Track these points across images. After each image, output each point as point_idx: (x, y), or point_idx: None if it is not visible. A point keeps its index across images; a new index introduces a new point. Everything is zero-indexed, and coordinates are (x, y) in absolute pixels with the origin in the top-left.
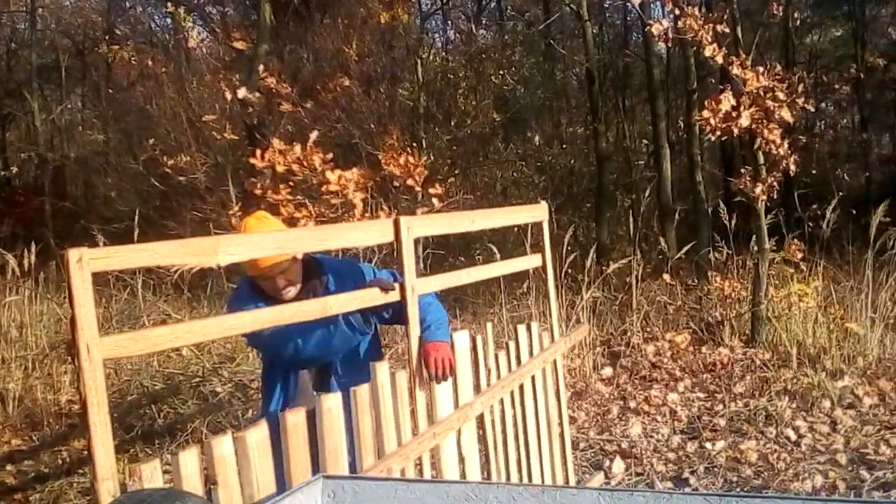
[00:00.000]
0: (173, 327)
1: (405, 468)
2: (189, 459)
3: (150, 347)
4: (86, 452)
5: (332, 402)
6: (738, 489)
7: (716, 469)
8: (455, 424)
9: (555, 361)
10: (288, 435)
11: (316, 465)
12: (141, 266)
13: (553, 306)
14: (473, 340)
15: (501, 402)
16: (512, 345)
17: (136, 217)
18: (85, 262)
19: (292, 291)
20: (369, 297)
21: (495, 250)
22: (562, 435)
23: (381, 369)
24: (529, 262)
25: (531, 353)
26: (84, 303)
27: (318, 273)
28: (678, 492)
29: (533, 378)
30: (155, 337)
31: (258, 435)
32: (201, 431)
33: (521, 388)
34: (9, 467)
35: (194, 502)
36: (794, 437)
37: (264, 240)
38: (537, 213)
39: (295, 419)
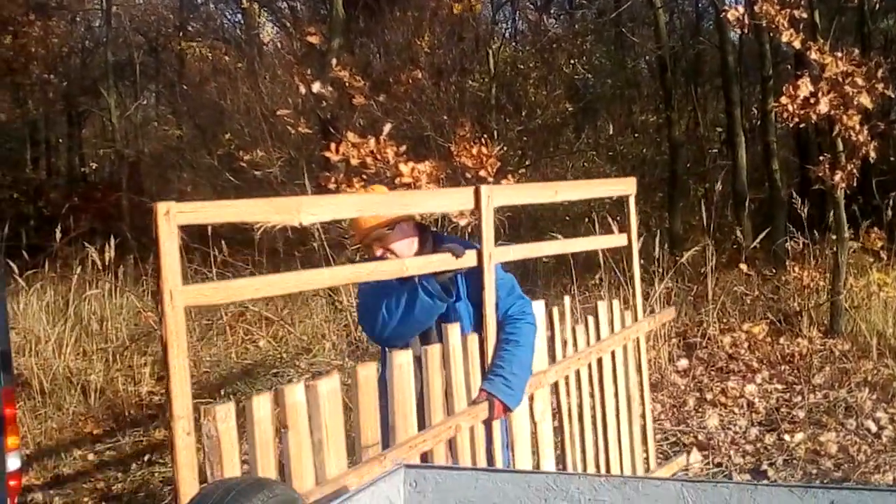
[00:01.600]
0: (253, 279)
1: (474, 427)
2: (262, 404)
3: (231, 297)
4: (165, 442)
5: (402, 359)
6: (818, 481)
7: (795, 461)
8: (528, 390)
9: (637, 340)
10: (359, 387)
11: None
12: (226, 221)
13: (637, 285)
14: (550, 314)
15: (578, 373)
16: (591, 319)
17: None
18: (172, 215)
19: (401, 253)
20: (445, 262)
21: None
22: (643, 415)
23: (453, 332)
24: (614, 240)
25: (612, 330)
26: (169, 252)
27: (432, 246)
28: (763, 483)
29: (613, 354)
30: (236, 287)
31: (329, 385)
32: None
33: (601, 362)
34: (91, 457)
35: (281, 490)
36: (874, 428)
37: (345, 201)
38: (624, 186)
39: (365, 372)
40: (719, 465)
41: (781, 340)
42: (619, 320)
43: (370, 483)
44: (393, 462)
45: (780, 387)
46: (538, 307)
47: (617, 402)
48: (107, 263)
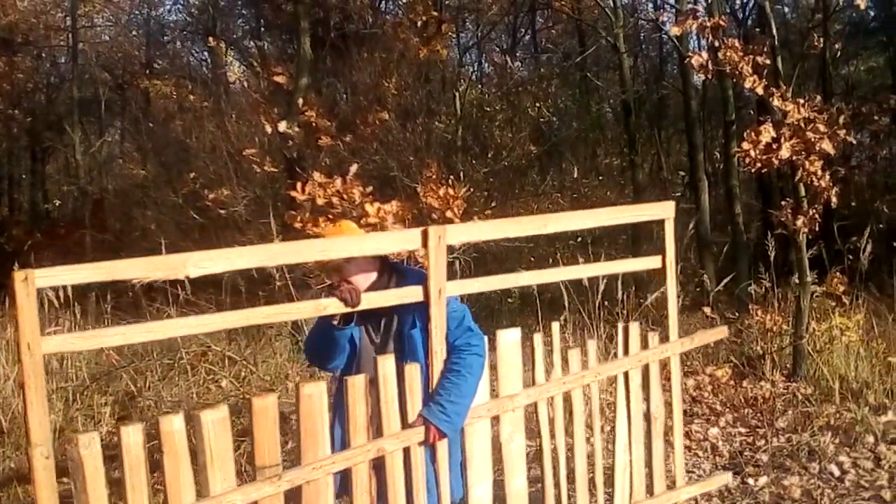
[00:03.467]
0: (127, 327)
1: (411, 449)
2: (133, 431)
3: (96, 344)
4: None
5: (311, 390)
6: None
7: None
8: (486, 414)
9: (667, 360)
10: (254, 416)
11: None
12: (83, 282)
13: (672, 307)
14: (532, 341)
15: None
16: (591, 343)
17: (174, 249)
18: (31, 281)
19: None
20: (382, 298)
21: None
22: (669, 435)
23: (385, 363)
24: (649, 262)
25: (626, 352)
26: (27, 310)
27: (389, 278)
28: None
29: (627, 375)
30: (104, 336)
31: (216, 415)
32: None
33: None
34: None
35: None
36: (837, 472)
37: (240, 252)
38: (662, 210)
39: (262, 403)
40: None
41: (745, 384)
42: (637, 342)
43: None
44: (288, 482)
45: (743, 430)
46: (509, 335)
47: (629, 421)
48: (64, 301)
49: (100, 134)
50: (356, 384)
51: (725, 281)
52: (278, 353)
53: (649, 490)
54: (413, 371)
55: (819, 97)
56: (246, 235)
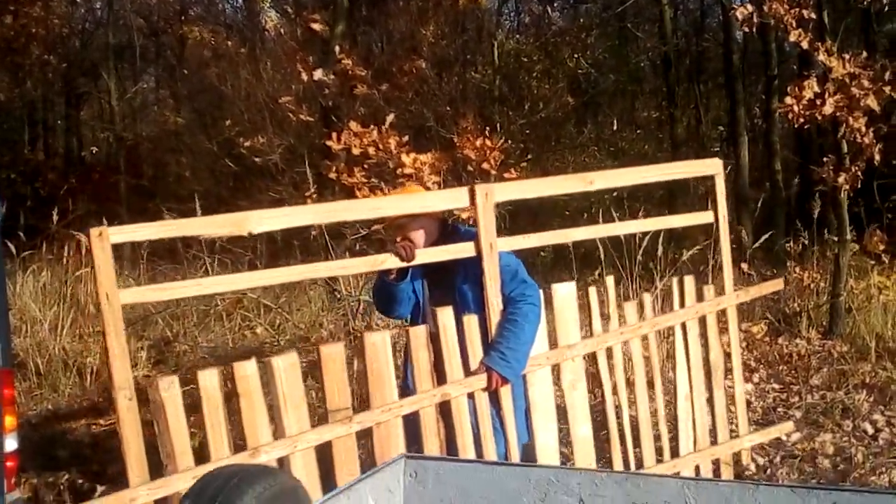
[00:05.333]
0: (200, 280)
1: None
2: (210, 374)
3: (171, 295)
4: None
5: (375, 338)
6: (814, 481)
7: (791, 461)
8: (546, 362)
9: (720, 312)
10: (323, 362)
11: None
12: (158, 238)
13: (727, 261)
14: (587, 293)
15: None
16: (647, 296)
17: (208, 196)
18: (105, 237)
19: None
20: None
21: None
22: (729, 387)
23: (445, 314)
24: (702, 217)
25: (682, 304)
26: (105, 265)
27: (446, 237)
28: (765, 483)
29: (684, 326)
30: (178, 287)
31: (287, 360)
32: None
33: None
34: (86, 440)
35: (284, 478)
36: (871, 430)
37: (299, 211)
38: (710, 167)
39: (329, 350)
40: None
41: (780, 341)
42: (693, 295)
43: (370, 473)
44: (359, 423)
45: (777, 386)
46: (565, 287)
47: (689, 370)
48: None
49: (134, 80)
50: (418, 334)
51: (764, 238)
52: (312, 302)
53: (713, 439)
54: (472, 322)
55: (864, 53)
56: (280, 184)
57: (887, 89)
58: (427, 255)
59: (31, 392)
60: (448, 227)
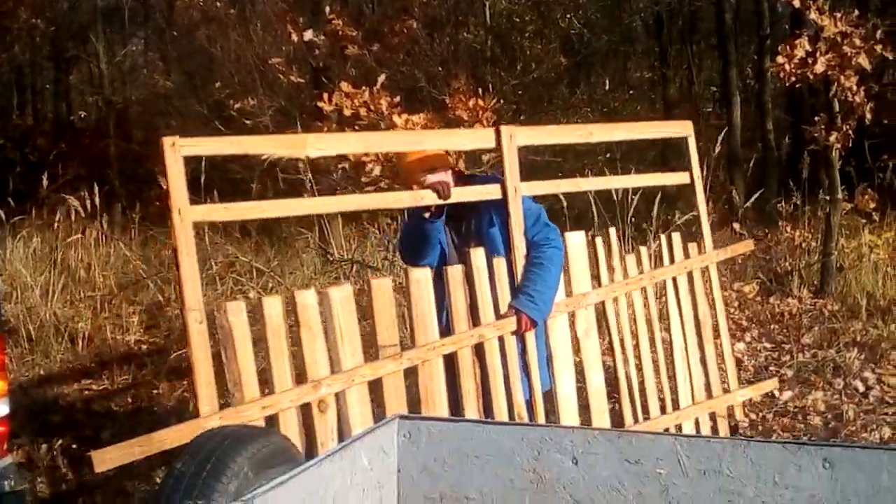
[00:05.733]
0: (260, 202)
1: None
2: (273, 302)
3: (238, 216)
4: (154, 391)
5: (419, 275)
6: (806, 439)
7: (783, 419)
8: (565, 309)
9: (706, 269)
10: (373, 295)
11: None
12: (229, 154)
13: (704, 220)
14: (594, 244)
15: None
16: (643, 249)
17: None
18: (178, 147)
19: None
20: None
21: None
22: (717, 340)
23: (477, 255)
24: (676, 177)
25: (672, 260)
26: (177, 177)
27: (463, 184)
28: (756, 439)
29: (675, 280)
30: (243, 208)
31: (342, 292)
32: None
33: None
34: (78, 405)
35: (276, 438)
36: (862, 388)
37: (350, 137)
38: (680, 129)
39: (378, 283)
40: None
41: (771, 300)
42: (680, 251)
43: (363, 434)
44: (408, 360)
45: (768, 345)
46: (576, 237)
47: (683, 325)
48: (90, 211)
49: (123, 43)
50: (455, 274)
51: (755, 197)
52: (305, 266)
53: (708, 394)
54: (500, 264)
55: (856, 11)
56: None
57: (879, 48)
58: (458, 194)
59: (22, 358)
60: (463, 178)
